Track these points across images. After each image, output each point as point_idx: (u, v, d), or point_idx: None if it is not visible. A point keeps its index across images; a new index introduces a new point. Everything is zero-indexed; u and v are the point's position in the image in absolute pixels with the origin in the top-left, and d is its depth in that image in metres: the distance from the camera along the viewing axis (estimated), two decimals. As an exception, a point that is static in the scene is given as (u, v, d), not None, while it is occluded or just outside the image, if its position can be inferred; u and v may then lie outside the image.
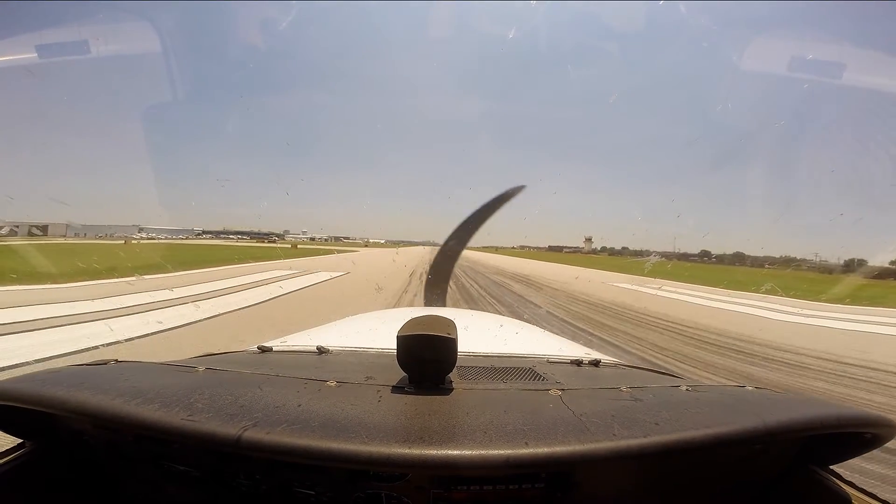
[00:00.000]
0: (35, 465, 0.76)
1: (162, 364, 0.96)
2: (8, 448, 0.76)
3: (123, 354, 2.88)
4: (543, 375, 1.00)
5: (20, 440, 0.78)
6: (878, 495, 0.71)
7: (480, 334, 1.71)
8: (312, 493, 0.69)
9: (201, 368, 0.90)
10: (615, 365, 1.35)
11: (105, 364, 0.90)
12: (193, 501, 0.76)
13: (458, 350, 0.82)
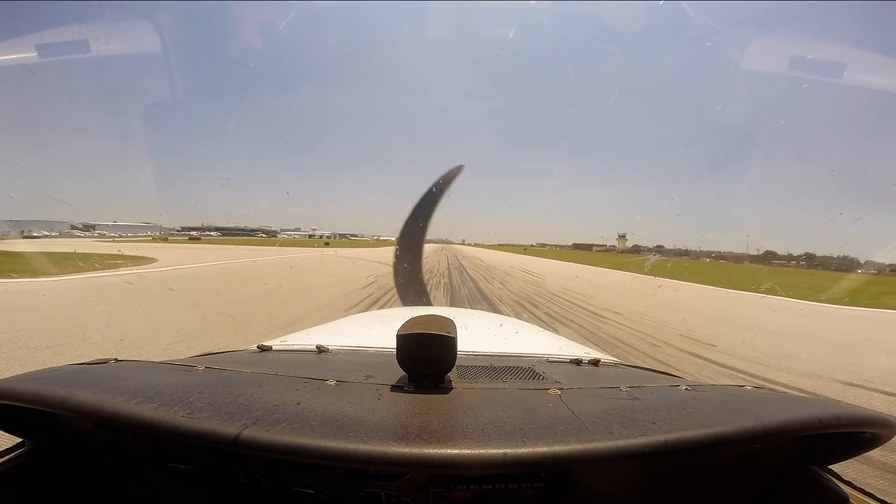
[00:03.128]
0: (35, 464, 0.82)
1: (162, 363, 1.03)
2: (8, 447, 0.82)
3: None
4: (543, 375, 1.06)
5: (20, 439, 0.84)
6: (876, 495, 0.74)
7: (480, 333, 1.80)
8: (312, 492, 0.74)
9: (201, 367, 0.96)
10: (615, 364, 1.41)
11: (105, 363, 0.96)
12: (193, 500, 0.82)
13: (458, 349, 0.87)
